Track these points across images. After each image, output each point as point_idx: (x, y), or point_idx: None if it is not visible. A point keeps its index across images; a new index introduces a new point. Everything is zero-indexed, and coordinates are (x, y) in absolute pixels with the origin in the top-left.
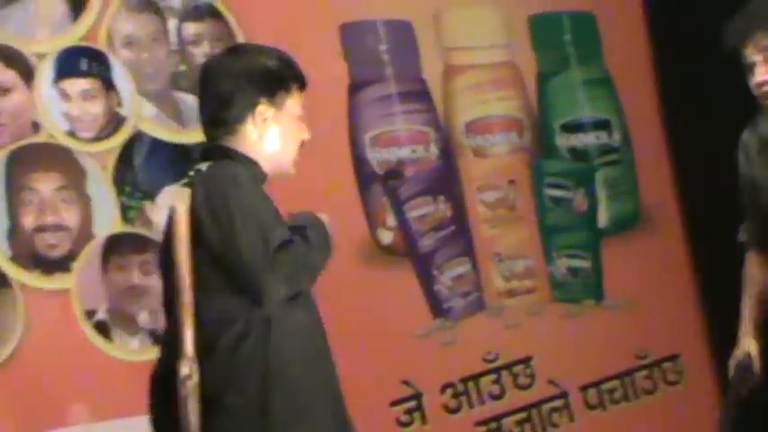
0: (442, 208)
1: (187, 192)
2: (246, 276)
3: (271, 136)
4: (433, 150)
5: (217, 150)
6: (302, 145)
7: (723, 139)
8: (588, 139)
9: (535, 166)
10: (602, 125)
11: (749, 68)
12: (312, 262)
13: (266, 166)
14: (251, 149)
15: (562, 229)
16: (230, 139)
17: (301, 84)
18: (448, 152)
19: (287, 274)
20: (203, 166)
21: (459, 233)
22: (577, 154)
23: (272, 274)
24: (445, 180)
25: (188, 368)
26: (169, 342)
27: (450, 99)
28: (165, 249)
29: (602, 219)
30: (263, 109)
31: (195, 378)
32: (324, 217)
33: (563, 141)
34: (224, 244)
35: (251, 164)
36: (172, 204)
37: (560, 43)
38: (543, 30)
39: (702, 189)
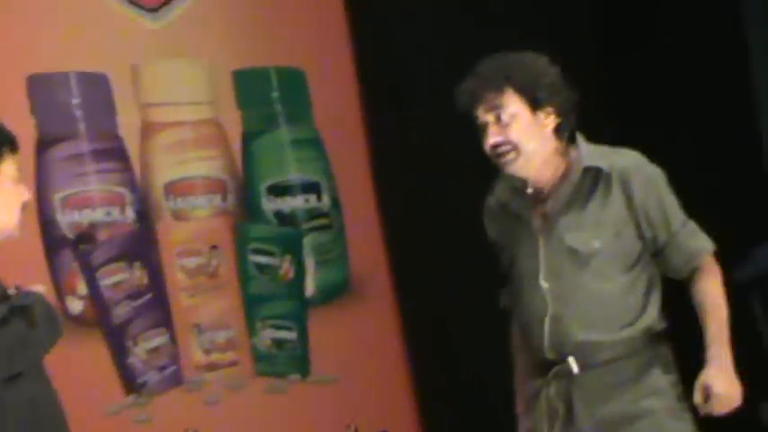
0: (138, 275)
1: None
2: None
3: None
4: (129, 213)
5: None
6: (24, 207)
7: (438, 203)
8: (296, 203)
9: (239, 230)
10: (311, 188)
11: (482, 130)
12: (33, 341)
13: None
14: None
15: (267, 298)
16: None
17: (13, 146)
18: (145, 215)
19: (2, 356)
20: None
21: (157, 302)
22: (284, 218)
23: None
24: (142, 245)
25: None
26: None
27: (148, 158)
28: None
29: (310, 288)
30: None
31: None
32: (41, 288)
33: (269, 205)
34: None
35: None
36: None
37: (267, 100)
38: (249, 86)
39: (415, 258)
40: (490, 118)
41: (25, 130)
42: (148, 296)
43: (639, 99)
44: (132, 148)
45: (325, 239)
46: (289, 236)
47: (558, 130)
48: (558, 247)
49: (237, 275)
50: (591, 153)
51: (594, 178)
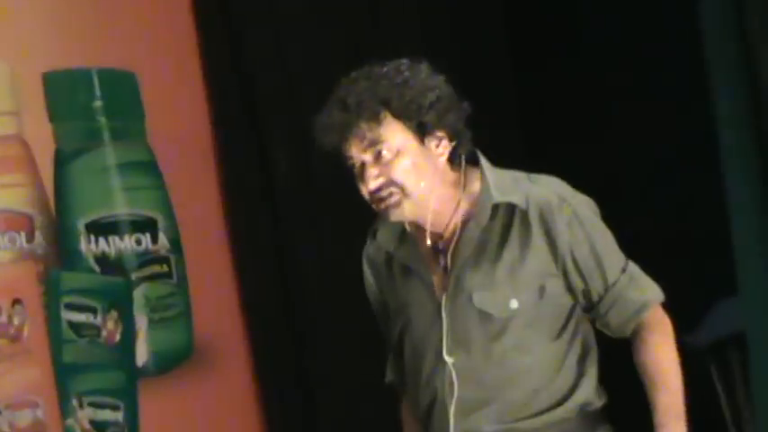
0: None
1: None
2: None
3: None
4: None
5: None
6: None
7: (309, 246)
8: (124, 245)
9: (50, 279)
10: (144, 225)
11: (358, 173)
12: None
13: None
14: None
15: (85, 367)
16: None
17: None
18: None
19: None
20: None
21: None
22: (109, 264)
23: None
24: None
25: None
26: None
27: None
28: None
29: (142, 354)
30: None
31: None
32: None
33: (90, 247)
34: None
35: None
36: None
37: (88, 111)
38: (64, 92)
39: (277, 316)
40: (367, 157)
41: None
42: None
43: (560, 107)
44: None
45: (161, 292)
46: (114, 287)
47: (453, 158)
48: (465, 311)
49: (47, 338)
50: (500, 183)
51: (507, 217)
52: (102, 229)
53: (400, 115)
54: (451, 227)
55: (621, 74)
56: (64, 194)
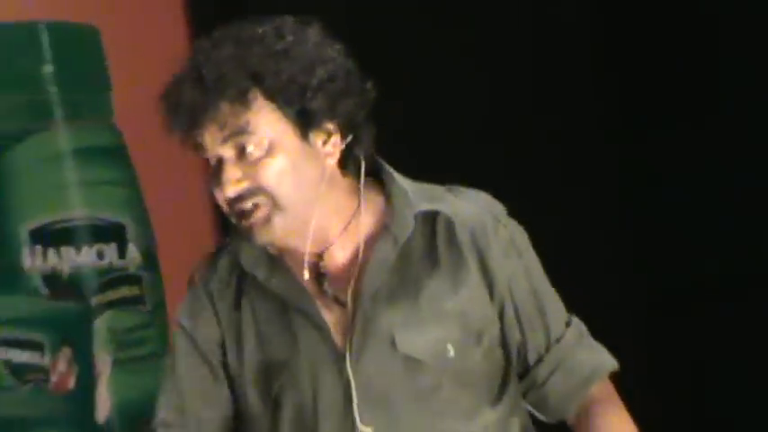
0: None
1: None
2: None
3: None
4: None
5: None
6: None
7: None
8: (83, 259)
9: None
10: (109, 234)
11: (212, 170)
12: None
13: None
14: None
15: (28, 424)
16: None
17: None
18: None
19: None
20: None
21: None
22: (62, 285)
23: None
24: None
25: None
26: None
27: None
28: None
29: (104, 406)
30: None
31: None
32: None
33: (35, 262)
34: None
35: None
36: None
37: (34, 79)
38: (4, 53)
39: None
40: (227, 152)
41: None
42: None
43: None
44: None
45: (130, 323)
46: (68, 316)
47: (346, 160)
48: (382, 360)
49: None
50: (417, 191)
51: (429, 234)
52: (52, 237)
53: (276, 97)
54: (345, 250)
55: None
56: (2, 191)
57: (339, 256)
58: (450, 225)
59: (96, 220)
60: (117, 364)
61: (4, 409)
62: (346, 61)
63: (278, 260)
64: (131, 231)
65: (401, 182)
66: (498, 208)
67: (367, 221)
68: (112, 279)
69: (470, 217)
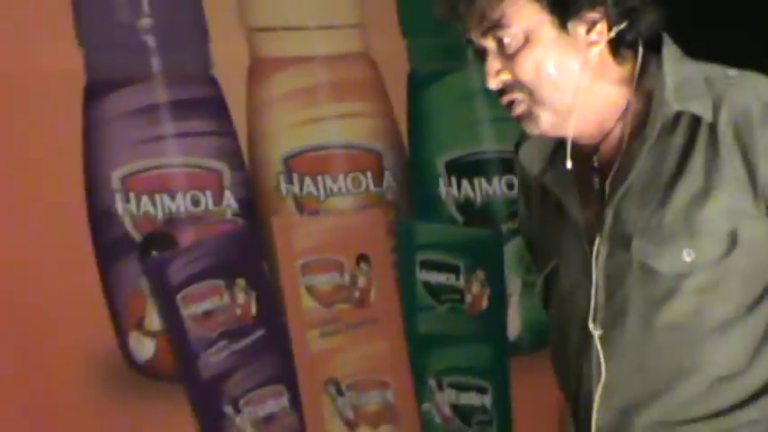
0: (242, 301)
1: None
2: None
3: None
4: (229, 201)
5: None
6: None
7: None
8: (494, 190)
9: (402, 232)
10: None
11: (480, 56)
12: None
13: None
14: None
15: (446, 340)
16: None
17: None
18: (253, 205)
19: None
20: None
21: (270, 344)
22: (475, 213)
23: None
24: (247, 253)
25: None
26: None
27: (259, 115)
28: None
29: (515, 324)
30: None
31: None
32: None
33: (451, 191)
34: None
35: None
36: None
37: (449, 26)
38: (421, 4)
39: None
40: (489, 43)
41: (69, 68)
42: (258, 334)
43: None
44: (233, 97)
45: None
46: (481, 242)
47: (617, 47)
48: (620, 264)
49: (398, 304)
50: (682, 83)
51: (690, 132)
52: (465, 169)
53: None
54: (614, 139)
55: None
56: (419, 126)
57: (607, 147)
58: (712, 129)
59: (507, 155)
60: (526, 285)
61: (424, 327)
62: None
63: (556, 155)
64: None
65: (670, 70)
66: None
67: (636, 110)
68: None
69: (738, 107)
